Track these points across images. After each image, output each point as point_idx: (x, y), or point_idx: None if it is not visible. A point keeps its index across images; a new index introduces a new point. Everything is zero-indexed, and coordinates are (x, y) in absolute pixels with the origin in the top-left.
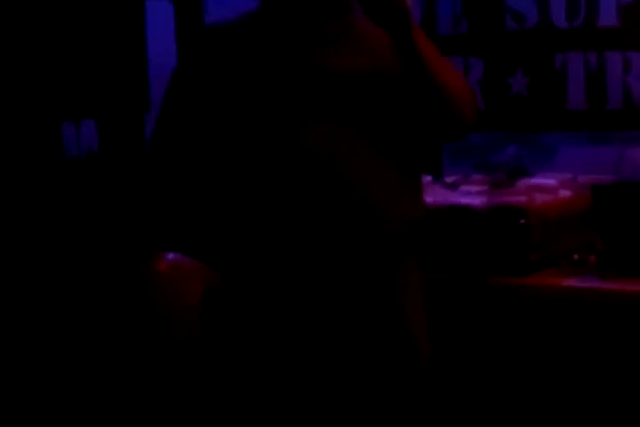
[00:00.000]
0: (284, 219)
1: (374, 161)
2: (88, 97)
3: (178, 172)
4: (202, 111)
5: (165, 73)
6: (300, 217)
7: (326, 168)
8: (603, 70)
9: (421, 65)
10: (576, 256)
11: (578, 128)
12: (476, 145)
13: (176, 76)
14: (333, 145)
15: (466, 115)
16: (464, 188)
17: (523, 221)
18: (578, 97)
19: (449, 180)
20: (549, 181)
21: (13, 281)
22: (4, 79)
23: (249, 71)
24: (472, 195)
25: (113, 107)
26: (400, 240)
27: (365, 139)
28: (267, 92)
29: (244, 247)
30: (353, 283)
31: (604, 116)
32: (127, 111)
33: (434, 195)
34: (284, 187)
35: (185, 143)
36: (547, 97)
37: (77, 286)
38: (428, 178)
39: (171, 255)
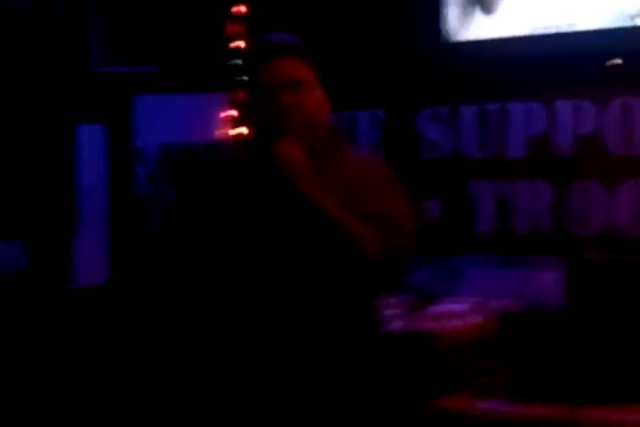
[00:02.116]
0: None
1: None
2: (18, 218)
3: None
4: (195, 223)
5: (94, 196)
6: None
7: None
8: (512, 198)
9: (315, 213)
10: (485, 379)
11: (487, 252)
12: None
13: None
14: (273, 271)
15: (368, 257)
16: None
17: (434, 345)
18: (488, 222)
19: None
20: (460, 306)
21: None
22: None
23: (225, 203)
24: (387, 319)
25: (41, 228)
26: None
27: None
28: (232, 224)
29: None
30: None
31: (512, 241)
32: (55, 232)
33: None
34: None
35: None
36: (459, 222)
37: None
38: None
39: None
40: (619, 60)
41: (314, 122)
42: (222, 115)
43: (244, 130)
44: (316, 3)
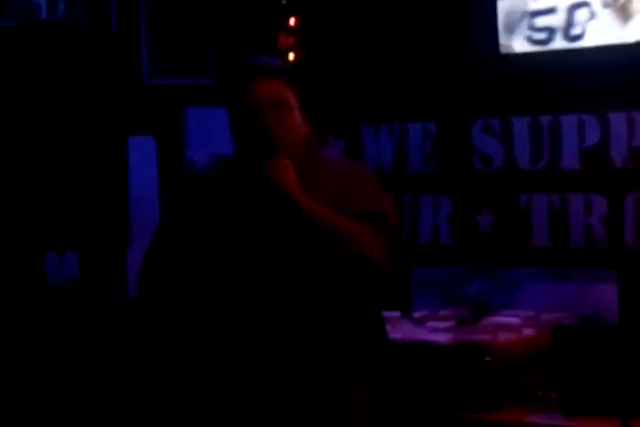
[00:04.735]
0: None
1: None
2: (71, 229)
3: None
4: (184, 238)
5: (147, 207)
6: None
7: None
8: (565, 211)
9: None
10: (539, 393)
11: (541, 264)
12: (444, 278)
13: (164, 213)
14: (273, 278)
15: (372, 255)
16: (431, 323)
17: (487, 358)
18: (541, 235)
19: (417, 315)
20: (513, 319)
21: None
22: None
23: (218, 212)
24: (439, 331)
25: (95, 239)
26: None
27: (298, 276)
28: (228, 232)
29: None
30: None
31: (566, 254)
32: (109, 244)
33: (402, 330)
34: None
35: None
36: (512, 234)
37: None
38: (397, 313)
39: None
40: None
41: (295, 138)
42: None
43: None
44: (368, 15)
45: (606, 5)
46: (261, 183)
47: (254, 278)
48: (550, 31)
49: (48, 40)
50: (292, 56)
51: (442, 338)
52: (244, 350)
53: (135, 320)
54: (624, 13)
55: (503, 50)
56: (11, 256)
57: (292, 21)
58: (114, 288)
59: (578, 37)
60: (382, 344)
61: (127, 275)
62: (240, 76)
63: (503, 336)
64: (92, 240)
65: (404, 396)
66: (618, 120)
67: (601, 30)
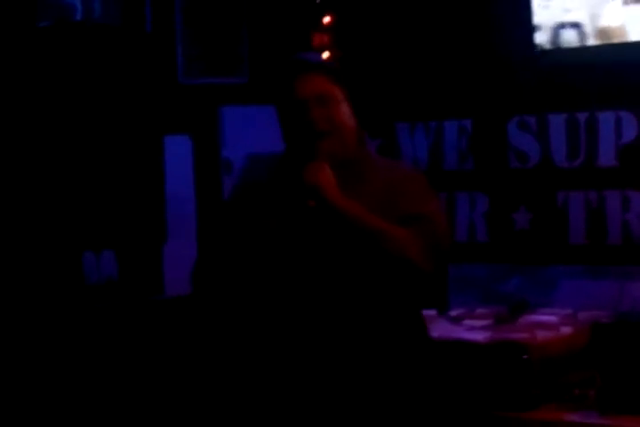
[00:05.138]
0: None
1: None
2: (108, 229)
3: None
4: (232, 250)
5: (182, 206)
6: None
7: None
8: (602, 208)
9: (352, 225)
10: (576, 391)
11: (578, 262)
12: (480, 276)
13: (211, 225)
14: (319, 298)
15: (412, 257)
16: (468, 322)
17: (525, 356)
18: (579, 233)
19: (453, 313)
20: (550, 317)
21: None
22: (33, 213)
23: (263, 223)
24: (476, 330)
25: (132, 239)
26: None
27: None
28: (271, 240)
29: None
30: None
31: (603, 251)
32: (145, 243)
33: (439, 329)
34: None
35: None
36: (549, 232)
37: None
38: (433, 312)
39: None
40: None
41: (342, 133)
42: None
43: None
44: (403, 13)
45: None
46: (301, 188)
47: (297, 285)
48: None
49: (83, 40)
50: (326, 55)
51: (479, 336)
52: (288, 351)
53: (181, 318)
54: None
55: (540, 46)
56: (49, 256)
57: (326, 20)
58: (150, 288)
59: None
60: (424, 344)
61: (164, 275)
62: (284, 73)
63: (541, 334)
64: (128, 240)
65: (442, 394)
66: None
67: None
